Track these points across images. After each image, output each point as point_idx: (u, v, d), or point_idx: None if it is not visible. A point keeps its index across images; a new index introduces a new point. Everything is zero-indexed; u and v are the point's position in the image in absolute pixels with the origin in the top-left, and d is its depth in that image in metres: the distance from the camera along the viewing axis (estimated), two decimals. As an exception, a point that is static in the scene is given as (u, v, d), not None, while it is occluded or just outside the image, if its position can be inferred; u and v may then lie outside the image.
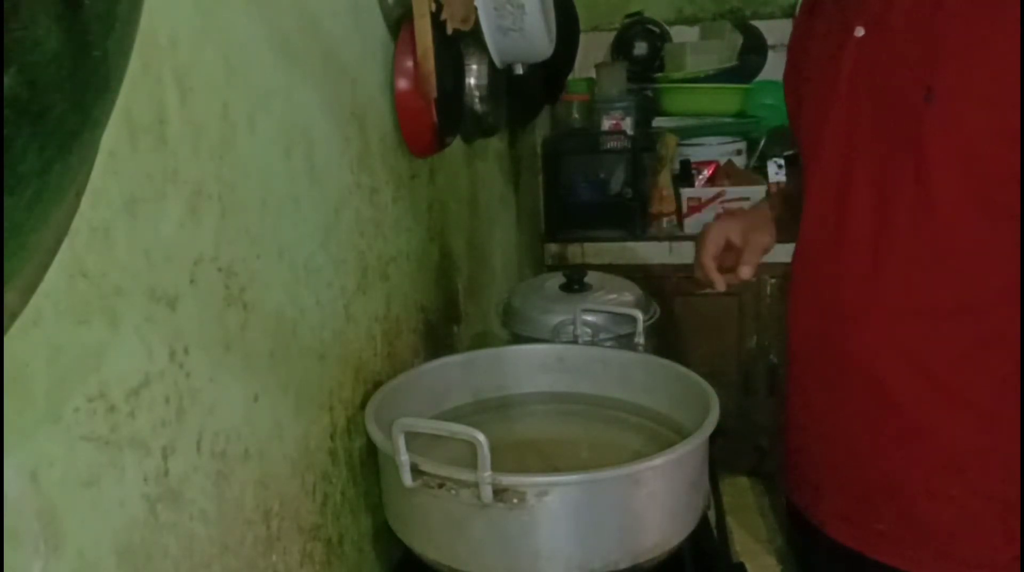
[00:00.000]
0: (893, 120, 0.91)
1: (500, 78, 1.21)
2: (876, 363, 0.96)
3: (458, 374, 1.06)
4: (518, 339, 1.25)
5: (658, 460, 0.77)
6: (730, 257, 1.11)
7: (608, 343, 1.18)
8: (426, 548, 0.81)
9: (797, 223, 1.13)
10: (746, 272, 1.09)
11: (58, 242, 0.46)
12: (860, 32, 0.93)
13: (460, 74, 1.14)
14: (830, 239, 0.98)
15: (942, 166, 0.87)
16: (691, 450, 0.80)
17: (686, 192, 2.09)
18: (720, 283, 1.10)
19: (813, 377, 1.05)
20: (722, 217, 1.20)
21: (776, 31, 2.44)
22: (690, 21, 2.52)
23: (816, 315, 1.03)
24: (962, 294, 0.91)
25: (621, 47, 2.46)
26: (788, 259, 2.14)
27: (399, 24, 1.00)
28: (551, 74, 1.79)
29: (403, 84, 1.00)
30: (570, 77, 2.15)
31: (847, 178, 0.96)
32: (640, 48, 2.45)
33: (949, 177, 0.88)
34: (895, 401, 0.96)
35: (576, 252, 2.16)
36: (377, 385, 0.94)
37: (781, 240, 1.18)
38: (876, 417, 0.98)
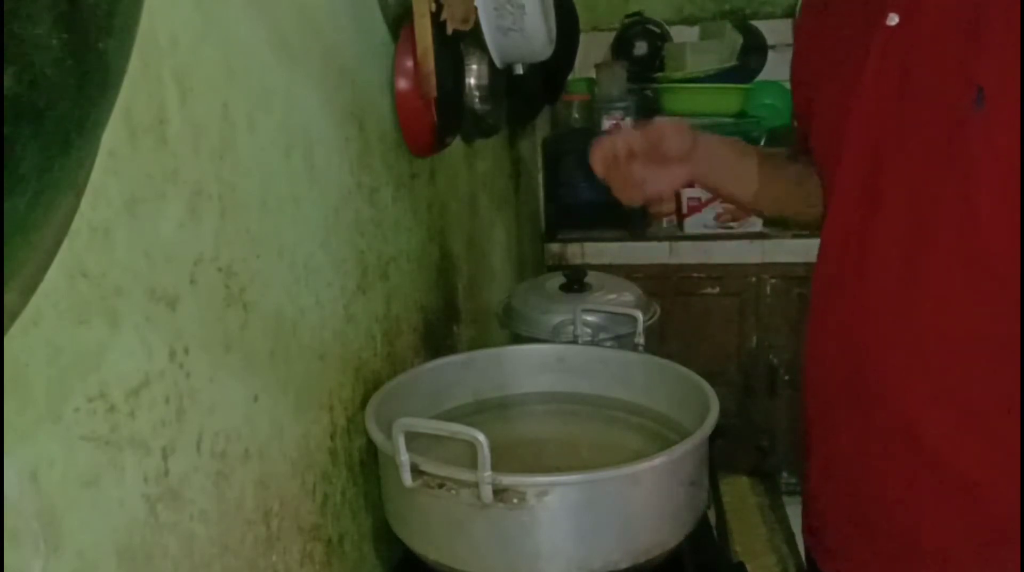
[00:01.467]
0: (934, 124, 0.77)
1: (500, 78, 1.21)
2: (910, 407, 0.82)
3: (458, 374, 1.06)
4: (518, 339, 1.25)
5: (658, 460, 0.77)
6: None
7: (608, 343, 1.18)
8: (426, 548, 0.81)
9: (773, 185, 1.04)
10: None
11: (58, 242, 0.46)
12: (893, 20, 0.80)
13: (460, 74, 1.14)
14: (854, 260, 0.85)
15: (992, 179, 0.74)
16: (691, 450, 0.80)
17: (686, 192, 2.09)
18: (599, 164, 0.96)
19: (837, 418, 0.91)
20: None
21: (776, 31, 2.45)
22: (690, 21, 2.52)
23: (838, 348, 0.89)
24: (1011, 327, 0.77)
25: (621, 47, 2.46)
26: (789, 259, 2.12)
27: (399, 24, 1.00)
28: (551, 74, 1.79)
29: (403, 84, 1.00)
30: (570, 77, 2.15)
31: (874, 188, 0.82)
32: (640, 48, 2.45)
33: (1000, 192, 0.74)
34: (934, 451, 0.82)
35: (576, 252, 2.16)
36: (377, 385, 0.94)
37: (761, 208, 1.10)
38: (913, 469, 0.84)
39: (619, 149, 0.96)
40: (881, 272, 0.83)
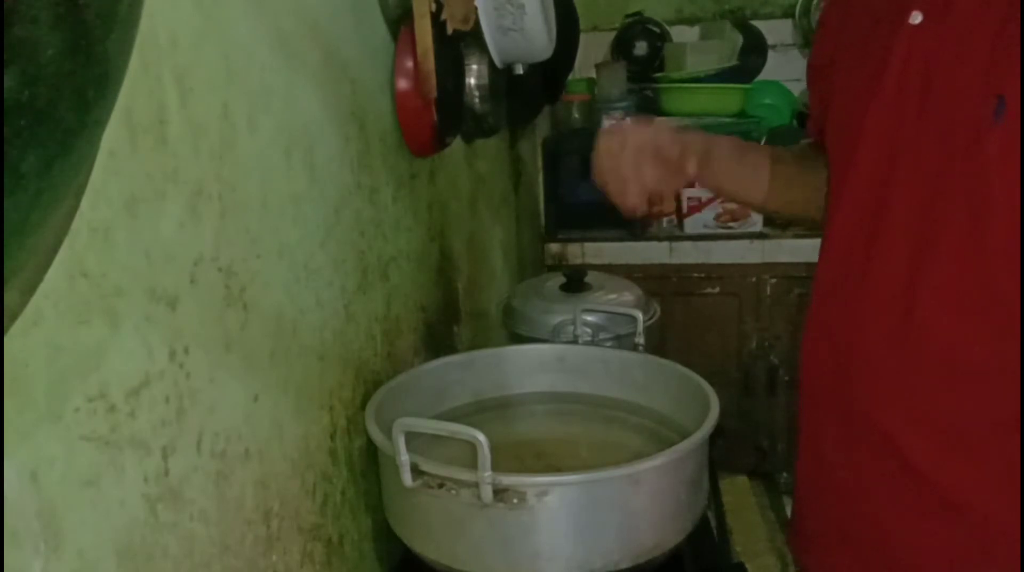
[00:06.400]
0: (949, 133, 0.74)
1: (500, 78, 1.21)
2: (894, 423, 0.81)
3: (458, 374, 1.06)
4: (518, 339, 1.25)
5: (658, 460, 0.77)
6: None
7: (608, 343, 1.18)
8: (426, 548, 0.81)
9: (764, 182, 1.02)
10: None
11: (58, 242, 0.46)
12: (917, 19, 0.76)
13: (460, 74, 1.14)
14: (856, 267, 0.82)
15: (1005, 199, 0.70)
16: (691, 450, 0.80)
17: (686, 192, 2.09)
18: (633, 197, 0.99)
19: (826, 430, 0.89)
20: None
21: (776, 31, 2.45)
22: (690, 21, 2.52)
23: (830, 353, 0.87)
24: (1007, 355, 0.74)
25: (621, 47, 2.46)
26: (789, 259, 2.11)
27: (399, 24, 1.00)
28: (551, 74, 1.79)
29: (403, 84, 1.00)
30: (570, 77, 2.15)
31: (883, 196, 0.79)
32: (640, 48, 2.45)
33: (1011, 213, 0.70)
34: (917, 469, 0.80)
35: (576, 252, 2.16)
36: (377, 385, 0.94)
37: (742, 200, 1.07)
38: (896, 484, 0.82)
39: (628, 143, 0.97)
40: (881, 283, 0.80)
